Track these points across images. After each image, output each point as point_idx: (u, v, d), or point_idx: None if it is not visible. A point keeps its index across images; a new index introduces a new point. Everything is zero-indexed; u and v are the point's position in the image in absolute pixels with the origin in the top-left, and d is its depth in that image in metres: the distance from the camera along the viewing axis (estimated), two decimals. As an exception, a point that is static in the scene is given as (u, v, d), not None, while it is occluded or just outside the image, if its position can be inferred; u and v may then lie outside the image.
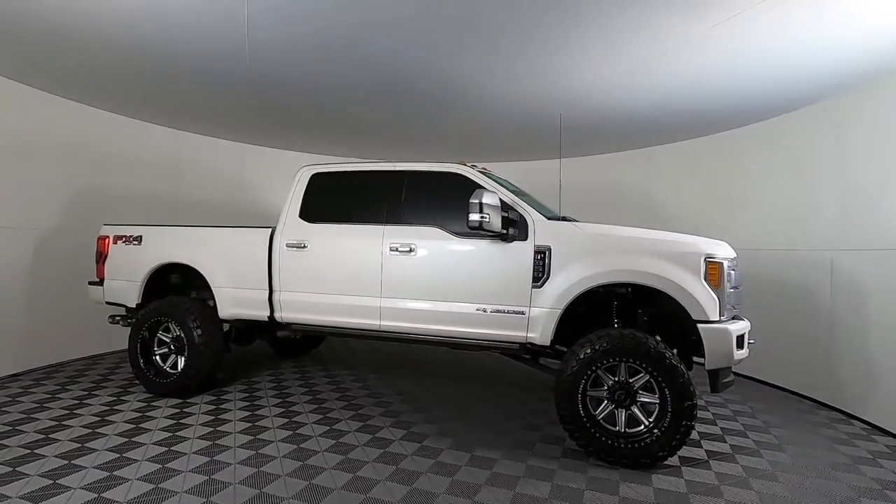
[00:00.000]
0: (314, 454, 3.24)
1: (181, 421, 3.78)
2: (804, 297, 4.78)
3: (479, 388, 4.88)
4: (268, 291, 4.19)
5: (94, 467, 2.99)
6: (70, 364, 5.35)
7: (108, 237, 4.78)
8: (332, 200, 4.20)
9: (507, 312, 3.54)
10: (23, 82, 4.91)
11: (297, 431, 3.63)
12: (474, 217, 3.32)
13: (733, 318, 3.33)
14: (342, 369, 5.47)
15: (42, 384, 4.62)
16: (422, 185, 3.97)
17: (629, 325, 3.58)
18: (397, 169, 4.05)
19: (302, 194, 4.24)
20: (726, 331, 3.14)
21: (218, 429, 3.64)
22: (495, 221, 3.37)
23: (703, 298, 3.17)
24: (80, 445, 3.29)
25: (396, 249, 3.80)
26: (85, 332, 5.59)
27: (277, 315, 4.18)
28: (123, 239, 4.70)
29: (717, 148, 5.95)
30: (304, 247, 4.06)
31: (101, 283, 4.79)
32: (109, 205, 5.76)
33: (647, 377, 3.18)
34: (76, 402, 4.16)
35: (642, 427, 3.21)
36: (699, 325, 3.16)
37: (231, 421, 3.81)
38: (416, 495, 2.76)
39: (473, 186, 3.76)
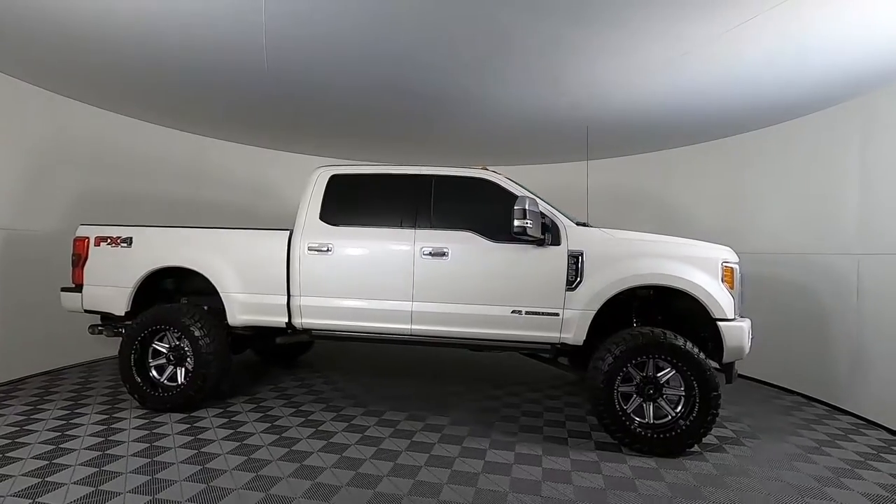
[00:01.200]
0: (361, 462, 3.18)
1: (199, 437, 3.53)
2: (827, 302, 4.68)
3: (489, 387, 5.00)
4: (286, 296, 4.02)
5: (130, 492, 2.73)
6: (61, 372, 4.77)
7: (86, 238, 4.32)
8: (355, 203, 4.12)
9: (542, 314, 3.69)
10: (53, 91, 5.11)
11: (330, 441, 3.53)
12: (519, 223, 3.45)
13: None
14: (338, 374, 5.34)
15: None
16: (451, 190, 4.02)
17: (645, 324, 3.88)
18: (425, 173, 4.06)
19: (321, 196, 4.11)
20: (742, 328, 3.51)
21: (245, 442, 3.44)
22: (536, 227, 3.53)
23: (721, 299, 3.52)
24: (96, 469, 2.97)
25: (430, 253, 3.81)
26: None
27: (297, 321, 4.02)
28: (108, 241, 4.28)
29: (736, 150, 5.83)
30: (329, 250, 3.95)
31: (78, 289, 4.32)
32: (131, 209, 5.73)
33: (673, 371, 3.48)
34: (62, 419, 3.73)
35: (669, 418, 3.50)
36: (719, 323, 3.50)
37: (253, 433, 3.61)
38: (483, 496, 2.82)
39: (502, 192, 3.90)
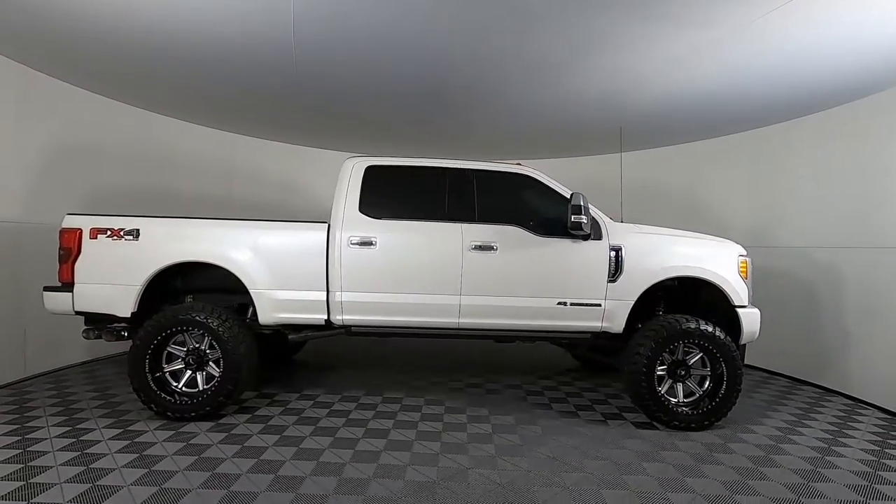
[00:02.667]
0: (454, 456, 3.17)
1: (246, 444, 3.28)
2: (870, 295, 4.57)
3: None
4: (325, 292, 3.84)
5: (215, 508, 2.50)
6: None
7: (78, 231, 3.78)
8: (395, 196, 4.04)
9: (586, 305, 3.90)
10: (94, 91, 5.27)
11: (389, 439, 3.46)
12: (576, 218, 3.62)
13: (748, 304, 4.20)
14: (335, 372, 5.18)
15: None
16: (492, 185, 4.08)
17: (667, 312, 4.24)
18: (466, 167, 4.08)
19: (359, 188, 3.97)
20: (756, 313, 3.98)
21: (302, 447, 3.27)
22: (588, 223, 3.71)
23: (740, 288, 3.96)
24: (157, 488, 2.67)
25: (478, 247, 3.85)
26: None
27: (336, 317, 3.86)
28: (109, 233, 3.78)
29: (769, 141, 5.64)
30: (372, 244, 3.83)
31: (66, 287, 3.78)
32: (166, 206, 5.57)
33: (700, 354, 3.86)
34: (69, 434, 3.26)
35: (696, 396, 3.88)
36: (738, 310, 3.94)
37: (302, 437, 3.43)
38: (572, 478, 2.95)
39: (542, 187, 4.05)
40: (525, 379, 5.09)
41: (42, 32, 3.96)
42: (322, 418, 3.82)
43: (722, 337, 3.79)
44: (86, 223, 3.80)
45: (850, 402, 4.62)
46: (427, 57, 4.20)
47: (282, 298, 3.82)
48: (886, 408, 4.34)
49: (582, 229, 3.67)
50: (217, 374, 3.74)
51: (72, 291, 3.76)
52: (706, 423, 3.79)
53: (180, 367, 3.80)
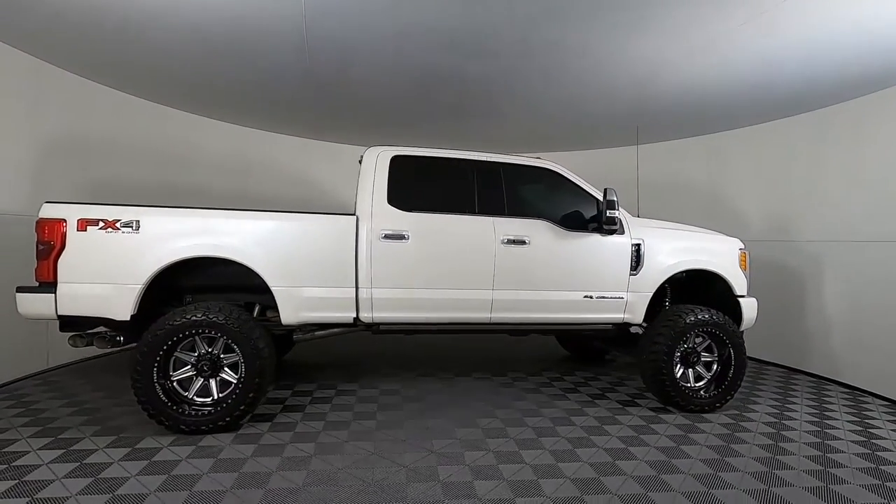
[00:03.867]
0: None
1: (285, 455, 3.02)
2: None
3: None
4: (354, 288, 3.62)
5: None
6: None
7: (61, 222, 3.26)
8: (424, 188, 3.89)
9: (610, 298, 4.02)
10: (106, 84, 5.22)
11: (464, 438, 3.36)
12: (612, 214, 3.71)
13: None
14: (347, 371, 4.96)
15: None
16: (519, 179, 4.07)
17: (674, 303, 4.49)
18: (494, 160, 4.04)
19: (386, 179, 3.78)
20: (755, 302, 4.33)
21: (346, 453, 3.07)
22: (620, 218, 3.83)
23: (741, 280, 4.28)
24: (212, 511, 2.38)
25: (510, 241, 3.83)
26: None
27: (366, 315, 3.66)
28: (101, 224, 3.29)
29: (795, 131, 5.47)
30: (405, 238, 3.67)
31: (46, 287, 3.25)
32: (178, 200, 5.40)
33: (709, 341, 4.13)
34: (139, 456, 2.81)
35: (706, 381, 4.15)
36: (740, 299, 4.26)
37: (340, 442, 3.23)
38: (627, 466, 3.04)
39: (566, 182, 4.12)
40: (533, 370, 5.17)
41: (56, 26, 3.91)
42: (329, 413, 3.62)
43: (731, 325, 4.08)
44: (72, 213, 3.28)
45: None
46: (443, 48, 4.09)
47: (307, 296, 3.55)
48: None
49: (616, 224, 3.77)
50: (234, 381, 3.41)
51: (54, 292, 3.24)
52: (717, 405, 4.07)
53: (191, 374, 3.42)
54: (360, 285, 3.63)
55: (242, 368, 3.36)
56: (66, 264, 3.25)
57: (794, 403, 4.34)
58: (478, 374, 4.97)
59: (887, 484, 2.88)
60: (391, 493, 2.63)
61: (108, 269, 3.29)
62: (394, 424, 3.58)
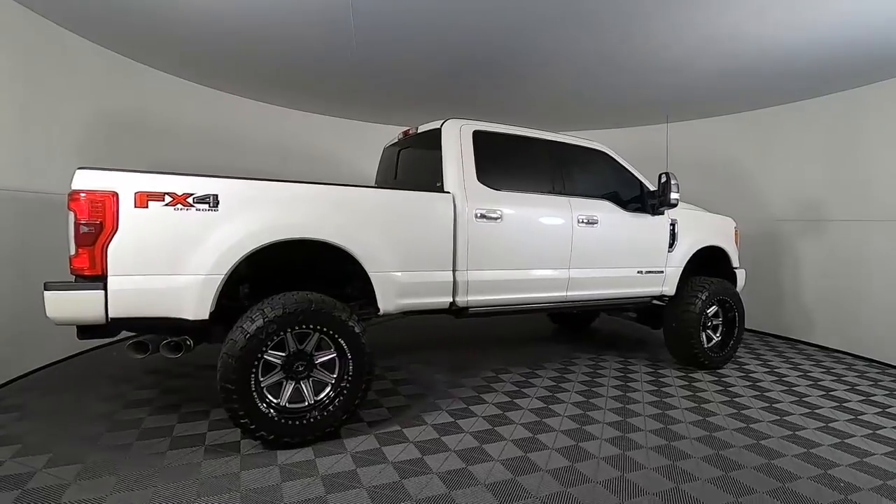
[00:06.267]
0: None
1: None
2: None
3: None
4: (452, 271, 3.40)
5: None
6: None
7: (112, 195, 2.47)
8: (508, 166, 3.78)
9: (654, 272, 4.39)
10: (141, 62, 5.08)
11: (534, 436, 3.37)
12: (676, 196, 4.03)
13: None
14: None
15: None
16: (578, 159, 4.17)
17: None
18: (567, 141, 4.09)
19: (472, 155, 3.57)
20: (744, 273, 5.10)
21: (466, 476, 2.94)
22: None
23: (735, 254, 5.01)
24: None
25: (584, 221, 3.93)
26: None
27: (461, 299, 3.46)
28: (168, 199, 2.57)
29: (831, 110, 5.46)
30: (499, 217, 3.53)
31: (90, 282, 2.46)
32: None
33: (717, 307, 4.79)
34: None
35: (714, 341, 4.81)
36: (735, 270, 4.99)
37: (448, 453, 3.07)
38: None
39: (615, 164, 4.34)
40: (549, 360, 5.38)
41: (117, 15, 3.97)
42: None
43: (737, 293, 4.78)
44: (128, 184, 2.50)
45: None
46: (486, 22, 3.97)
47: (406, 281, 3.23)
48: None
49: (674, 205, 4.11)
50: (331, 381, 2.99)
51: (103, 288, 2.46)
52: (724, 363, 4.76)
53: (280, 377, 2.90)
54: (457, 268, 3.42)
55: (350, 366, 2.95)
56: (120, 251, 2.48)
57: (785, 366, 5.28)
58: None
59: (831, 425, 3.73)
60: (573, 475, 2.61)
61: (177, 257, 2.60)
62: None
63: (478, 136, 3.65)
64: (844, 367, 4.90)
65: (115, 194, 2.47)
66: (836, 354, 5.37)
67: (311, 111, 6.91)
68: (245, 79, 5.59)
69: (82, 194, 2.42)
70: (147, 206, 2.53)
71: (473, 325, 6.16)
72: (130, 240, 2.50)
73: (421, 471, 2.61)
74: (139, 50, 4.79)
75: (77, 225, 2.42)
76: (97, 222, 2.43)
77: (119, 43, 4.63)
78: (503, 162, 3.76)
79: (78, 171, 2.46)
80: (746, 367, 4.81)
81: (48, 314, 2.41)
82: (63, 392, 3.60)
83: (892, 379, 4.52)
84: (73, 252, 2.46)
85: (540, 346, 5.38)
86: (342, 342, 2.92)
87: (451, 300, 3.44)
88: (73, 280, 2.49)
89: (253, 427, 2.70)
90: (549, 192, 3.86)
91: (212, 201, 2.66)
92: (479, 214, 3.46)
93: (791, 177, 5.96)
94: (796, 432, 3.25)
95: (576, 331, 6.26)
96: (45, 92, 4.07)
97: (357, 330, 2.95)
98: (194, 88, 5.69)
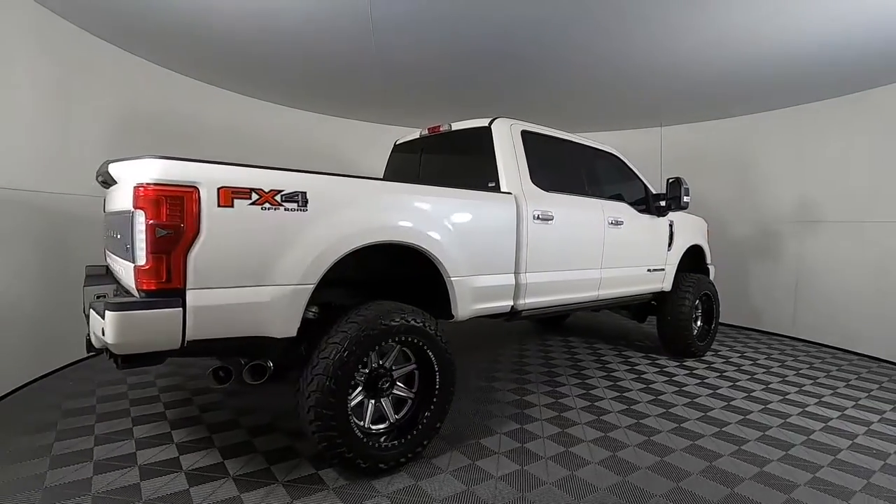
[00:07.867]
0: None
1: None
2: None
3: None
4: (514, 274, 3.31)
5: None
6: None
7: (195, 190, 2.02)
8: (553, 168, 3.77)
9: (657, 270, 4.70)
10: (160, 65, 5.11)
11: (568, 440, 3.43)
12: (688, 199, 4.34)
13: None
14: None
15: None
16: (600, 162, 4.31)
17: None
18: (586, 143, 4.19)
19: (524, 155, 3.51)
20: (714, 268, 5.66)
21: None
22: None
23: (708, 251, 5.55)
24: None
25: (614, 222, 4.07)
26: None
27: (520, 302, 3.38)
28: (256, 197, 2.17)
29: (840, 112, 5.59)
30: (552, 219, 3.51)
31: (167, 298, 1.99)
32: None
33: (699, 302, 5.27)
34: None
35: (696, 331, 5.28)
36: (709, 266, 5.52)
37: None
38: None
39: (625, 166, 4.57)
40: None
41: (143, 23, 4.11)
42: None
43: (714, 287, 5.30)
44: (211, 178, 2.05)
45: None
46: (500, 23, 3.98)
47: (479, 286, 3.08)
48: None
49: (684, 208, 4.42)
50: (410, 396, 2.76)
51: (182, 305, 2.00)
52: (706, 351, 5.25)
53: (361, 397, 2.60)
54: (518, 270, 3.34)
55: (437, 378, 2.74)
56: (202, 259, 2.04)
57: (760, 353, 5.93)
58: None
59: (770, 406, 4.41)
60: (673, 469, 2.70)
61: (265, 265, 2.20)
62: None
63: (525, 137, 3.60)
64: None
65: (196, 189, 2.01)
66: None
67: (333, 115, 6.95)
68: (264, 82, 5.65)
69: (156, 188, 1.94)
70: (232, 205, 2.10)
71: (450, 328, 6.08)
72: (214, 246, 2.06)
73: (535, 482, 2.52)
74: (164, 54, 4.88)
75: (149, 228, 1.93)
76: (178, 225, 1.97)
77: (144, 47, 4.70)
78: (546, 163, 3.75)
79: (148, 161, 1.97)
80: (720, 353, 5.37)
81: (111, 340, 1.89)
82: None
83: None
84: (139, 261, 1.96)
85: (531, 346, 5.48)
86: (431, 354, 2.71)
87: (511, 304, 3.35)
88: (141, 295, 1.98)
89: (350, 455, 2.39)
90: (584, 194, 3.93)
91: (300, 200, 2.29)
92: (536, 215, 3.42)
93: (789, 179, 6.17)
94: (787, 419, 3.69)
95: (554, 327, 6.48)
96: (67, 95, 4.06)
97: (445, 341, 2.75)
98: (216, 92, 5.75)
